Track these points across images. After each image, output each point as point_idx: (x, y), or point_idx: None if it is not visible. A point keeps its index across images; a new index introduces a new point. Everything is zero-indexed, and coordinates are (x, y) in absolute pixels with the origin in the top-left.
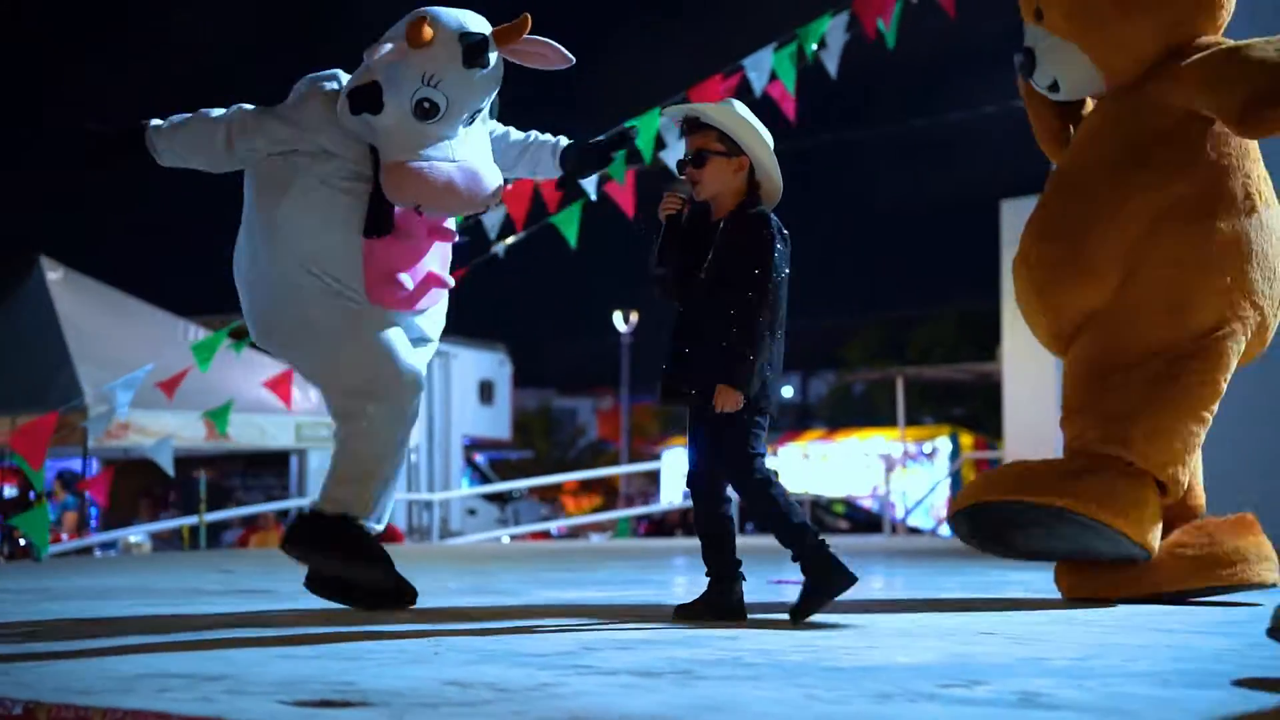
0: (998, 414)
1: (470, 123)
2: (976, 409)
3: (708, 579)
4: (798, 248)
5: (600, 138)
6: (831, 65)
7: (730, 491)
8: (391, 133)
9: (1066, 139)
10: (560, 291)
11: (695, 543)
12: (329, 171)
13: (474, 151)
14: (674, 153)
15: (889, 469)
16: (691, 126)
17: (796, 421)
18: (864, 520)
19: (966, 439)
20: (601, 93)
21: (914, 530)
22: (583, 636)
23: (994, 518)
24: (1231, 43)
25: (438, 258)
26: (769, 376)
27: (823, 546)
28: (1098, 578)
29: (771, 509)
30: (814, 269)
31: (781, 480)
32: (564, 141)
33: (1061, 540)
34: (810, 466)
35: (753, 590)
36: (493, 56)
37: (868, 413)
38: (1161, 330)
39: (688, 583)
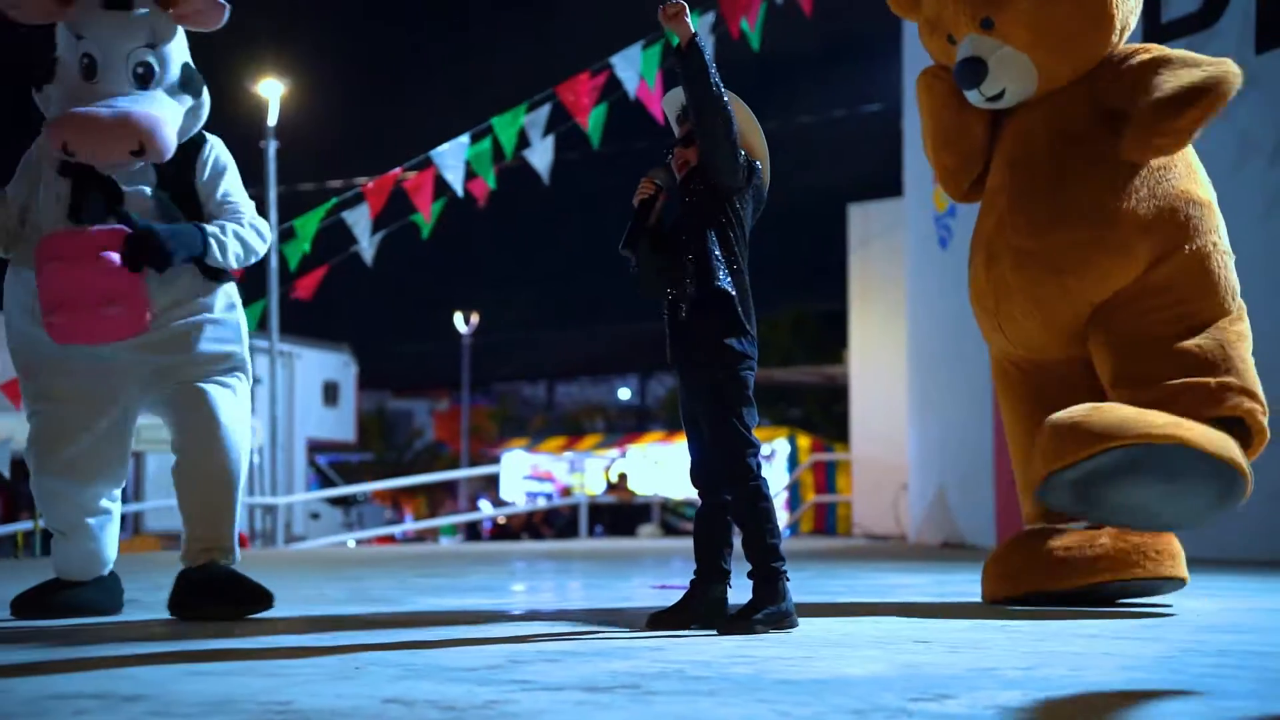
0: (832, 415)
1: (145, 86)
2: (811, 411)
3: (694, 577)
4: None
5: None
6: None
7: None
8: (64, 97)
9: (981, 153)
10: (397, 292)
11: (539, 546)
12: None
13: (150, 106)
14: (537, 152)
15: None
16: (686, 113)
17: (636, 424)
18: None
19: (804, 441)
20: (466, 88)
21: None
22: (503, 648)
23: (1105, 470)
24: (1162, 52)
25: (109, 284)
26: (751, 362)
27: (783, 577)
28: (1038, 571)
29: (755, 514)
30: None
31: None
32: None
33: (1178, 487)
34: (652, 469)
35: (631, 595)
36: (140, 7)
37: None
38: (1215, 303)
39: (554, 587)
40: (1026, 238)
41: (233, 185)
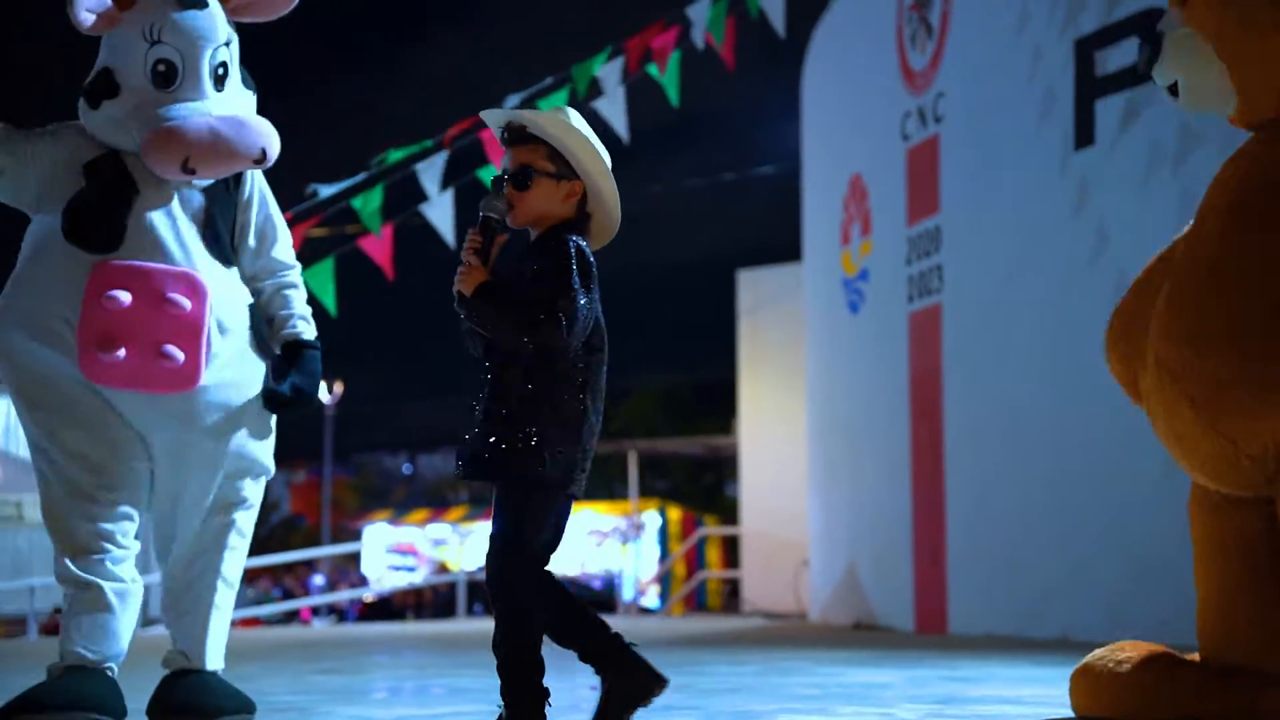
0: (700, 486)
1: (221, 87)
2: (679, 482)
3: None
4: None
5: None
6: (619, 123)
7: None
8: (138, 111)
9: None
10: None
11: (425, 629)
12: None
13: (235, 111)
14: (435, 207)
15: (624, 541)
16: (515, 137)
17: None
18: (591, 599)
19: (675, 512)
20: (362, 130)
21: (645, 610)
22: None
23: None
24: None
25: (171, 330)
26: (566, 451)
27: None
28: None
29: (512, 645)
30: None
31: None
32: (299, 332)
33: None
34: None
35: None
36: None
37: None
38: None
39: (487, 690)
40: (1169, 351)
41: (282, 231)
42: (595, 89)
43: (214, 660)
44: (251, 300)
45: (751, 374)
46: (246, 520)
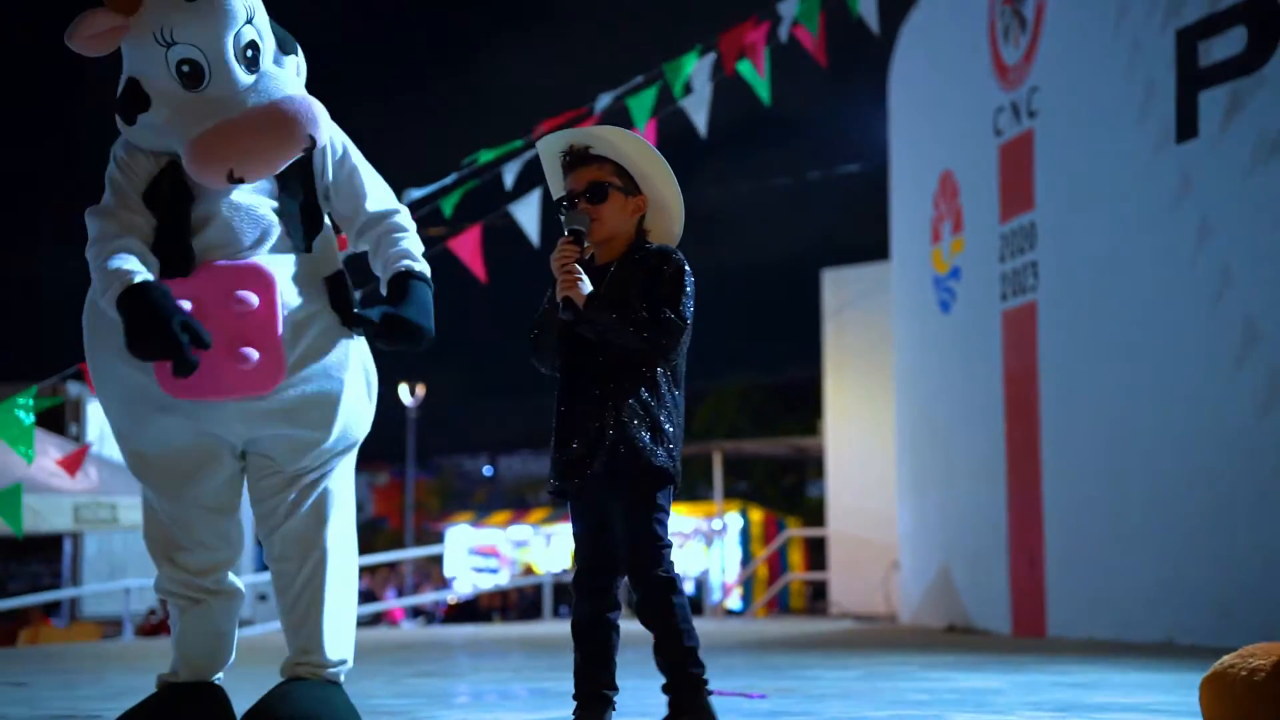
0: (781, 487)
1: (255, 68)
2: (760, 482)
3: (576, 701)
4: None
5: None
6: (700, 120)
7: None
8: (174, 119)
9: None
10: None
11: (513, 631)
12: None
13: (277, 88)
14: (522, 206)
15: (708, 543)
16: (578, 159)
17: None
18: None
19: (756, 514)
20: (451, 135)
21: (730, 613)
22: None
23: None
24: None
25: (242, 330)
26: (672, 446)
27: (705, 686)
28: None
29: (670, 618)
30: None
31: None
32: (406, 265)
33: None
34: None
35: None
36: None
37: None
38: None
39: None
40: None
41: (372, 181)
42: (684, 87)
43: (333, 650)
44: (334, 273)
45: (837, 374)
46: (346, 493)
